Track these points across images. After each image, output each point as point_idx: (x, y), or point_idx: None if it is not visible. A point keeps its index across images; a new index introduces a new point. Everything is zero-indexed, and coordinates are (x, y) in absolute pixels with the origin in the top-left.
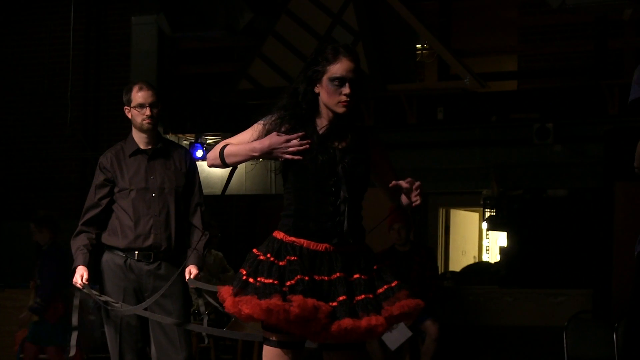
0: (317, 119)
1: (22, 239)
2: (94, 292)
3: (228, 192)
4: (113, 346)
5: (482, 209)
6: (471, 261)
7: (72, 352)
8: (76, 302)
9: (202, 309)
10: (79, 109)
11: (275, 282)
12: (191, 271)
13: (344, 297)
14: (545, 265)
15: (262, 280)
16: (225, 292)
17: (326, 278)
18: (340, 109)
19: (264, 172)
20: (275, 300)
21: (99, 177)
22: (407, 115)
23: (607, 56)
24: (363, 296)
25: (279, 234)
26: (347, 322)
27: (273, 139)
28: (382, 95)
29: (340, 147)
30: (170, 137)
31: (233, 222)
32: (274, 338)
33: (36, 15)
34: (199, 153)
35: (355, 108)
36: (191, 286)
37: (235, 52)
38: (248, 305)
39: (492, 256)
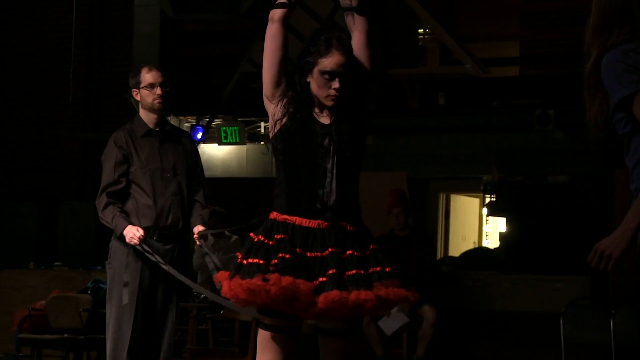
0: (314, 104)
1: (22, 220)
2: (146, 247)
3: (228, 174)
4: (115, 326)
5: (482, 194)
6: (471, 247)
7: (126, 300)
8: (129, 259)
9: (211, 265)
10: (81, 90)
11: (261, 261)
12: (198, 228)
13: (334, 270)
14: (544, 251)
15: (250, 260)
16: (222, 276)
17: (319, 254)
18: (329, 102)
19: (264, 156)
20: (255, 280)
21: (117, 155)
22: (409, 100)
23: None
24: (354, 271)
25: (272, 214)
26: (334, 293)
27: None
28: (384, 80)
29: (331, 123)
30: (172, 119)
31: (234, 206)
32: (268, 322)
33: None
34: (200, 135)
35: (345, 101)
36: (199, 240)
37: (237, 34)
38: (234, 286)
39: (492, 242)
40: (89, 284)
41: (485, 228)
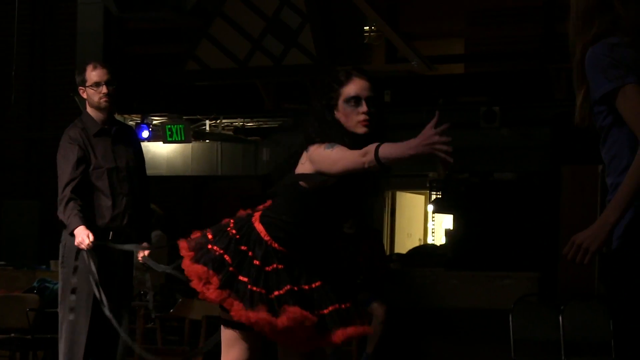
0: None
1: None
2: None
3: (173, 173)
4: (70, 328)
5: (427, 191)
6: (416, 244)
7: (72, 317)
8: (77, 262)
9: (149, 284)
10: (24, 88)
11: (263, 291)
12: (145, 254)
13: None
14: (492, 248)
15: (250, 287)
16: (202, 272)
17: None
18: (361, 130)
19: (210, 153)
20: (262, 314)
21: (78, 152)
22: None
23: (554, 40)
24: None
25: (264, 234)
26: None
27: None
28: None
29: None
30: (117, 117)
31: (179, 204)
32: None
33: None
34: (145, 134)
35: (377, 128)
36: (144, 263)
37: (182, 33)
38: (235, 311)
39: (437, 239)
40: (35, 284)
41: (429, 225)
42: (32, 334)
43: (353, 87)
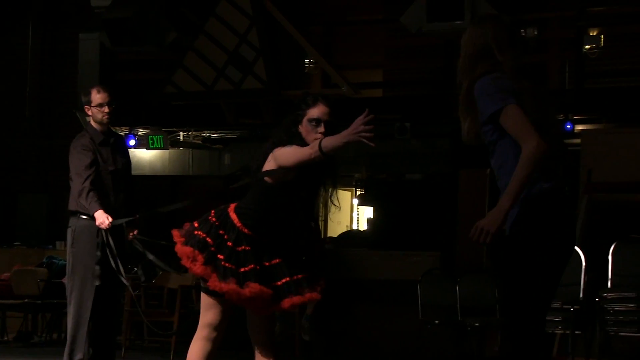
0: None
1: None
2: (107, 237)
3: (154, 173)
4: (78, 295)
5: (354, 188)
6: (345, 229)
7: (97, 282)
8: (97, 241)
9: (151, 256)
10: (35, 106)
11: (233, 267)
12: (134, 233)
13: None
14: (404, 232)
15: (223, 263)
16: (189, 252)
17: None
18: None
19: (183, 158)
20: (232, 286)
21: (90, 156)
22: None
23: (452, 71)
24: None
25: (236, 222)
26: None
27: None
28: (279, 99)
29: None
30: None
31: (158, 196)
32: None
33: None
34: (132, 142)
35: None
36: (133, 244)
37: (162, 63)
38: (212, 282)
39: (361, 225)
40: (44, 260)
41: (355, 215)
42: (41, 300)
43: (317, 111)
